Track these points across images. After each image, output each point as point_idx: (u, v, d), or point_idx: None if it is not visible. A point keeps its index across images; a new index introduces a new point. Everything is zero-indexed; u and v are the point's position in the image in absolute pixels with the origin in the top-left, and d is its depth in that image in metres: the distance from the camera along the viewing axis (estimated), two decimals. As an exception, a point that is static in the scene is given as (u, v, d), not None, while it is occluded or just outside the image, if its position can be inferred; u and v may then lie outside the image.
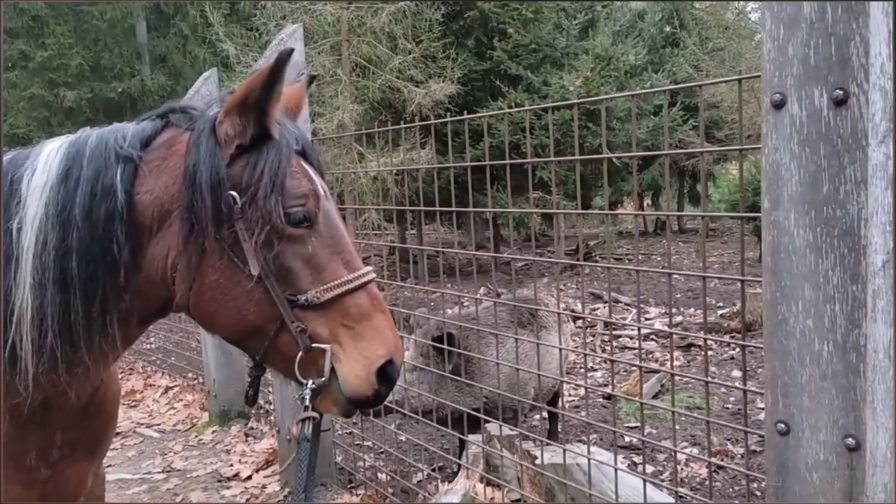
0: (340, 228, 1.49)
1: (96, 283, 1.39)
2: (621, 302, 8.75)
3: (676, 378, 5.62)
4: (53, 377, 1.41)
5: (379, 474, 3.68)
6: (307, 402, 1.46)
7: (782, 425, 1.54)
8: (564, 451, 2.30)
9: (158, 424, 5.09)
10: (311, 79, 1.84)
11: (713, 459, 3.69)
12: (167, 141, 1.45)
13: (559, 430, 4.26)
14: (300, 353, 1.42)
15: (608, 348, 6.89)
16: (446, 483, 3.01)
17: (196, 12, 19.05)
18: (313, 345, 1.42)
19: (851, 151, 1.42)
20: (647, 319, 7.79)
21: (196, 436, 4.70)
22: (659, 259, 13.06)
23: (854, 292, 1.45)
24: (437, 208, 3.13)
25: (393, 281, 4.91)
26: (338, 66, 9.60)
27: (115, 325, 1.42)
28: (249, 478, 3.95)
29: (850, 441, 1.46)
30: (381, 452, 3.87)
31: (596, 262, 12.24)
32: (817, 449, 1.52)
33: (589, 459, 2.28)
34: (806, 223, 1.46)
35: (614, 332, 7.10)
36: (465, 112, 3.09)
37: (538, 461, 2.71)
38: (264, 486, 3.84)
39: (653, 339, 6.95)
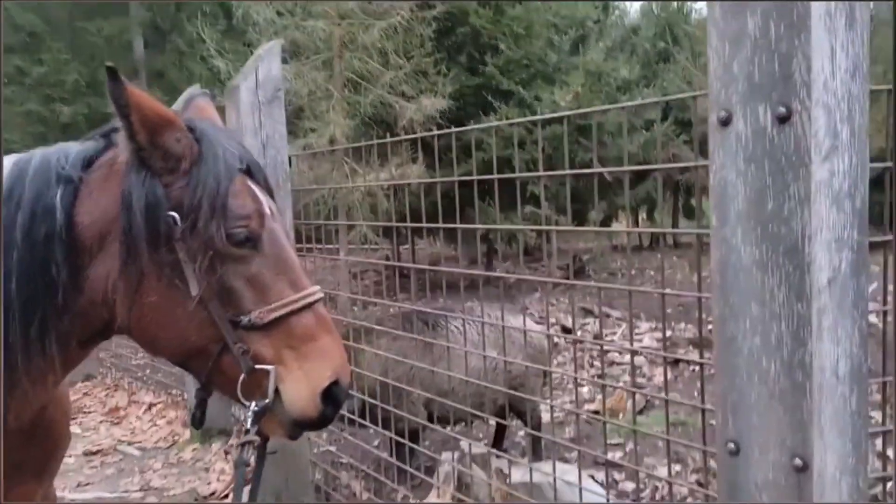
0: (287, 248, 1.48)
1: (35, 305, 1.37)
2: (612, 316, 8.72)
3: (662, 394, 5.59)
4: None
5: (357, 492, 3.65)
6: (248, 426, 1.45)
7: (732, 445, 1.52)
8: (531, 469, 2.27)
9: (140, 442, 5.06)
10: (212, 96, 1.81)
11: (672, 479, 3.66)
12: (109, 161, 1.44)
13: (541, 447, 4.24)
14: (242, 375, 1.41)
15: (596, 364, 6.87)
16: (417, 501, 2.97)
17: (193, 29, 19.15)
18: (256, 366, 1.40)
19: (795, 168, 1.42)
20: (637, 334, 7.76)
21: (177, 453, 4.66)
22: (652, 273, 13.04)
23: (799, 310, 1.44)
24: (424, 224, 3.12)
25: (377, 299, 4.90)
26: (330, 81, 9.63)
27: (53, 347, 1.40)
28: (226, 496, 3.91)
29: (798, 462, 1.44)
30: (361, 470, 3.84)
31: (589, 276, 12.22)
32: (766, 469, 1.50)
33: (555, 478, 2.25)
34: (752, 240, 1.45)
35: (604, 348, 7.08)
36: (457, 127, 3.07)
37: (509, 480, 2.69)
38: (241, 505, 3.80)
39: (641, 354, 6.92)
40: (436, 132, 3.10)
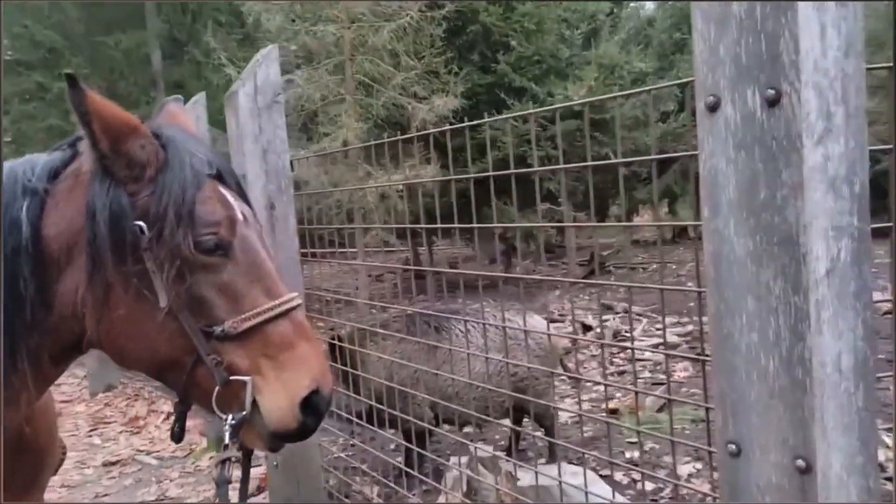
0: (261, 255, 1.43)
1: (5, 321, 1.35)
2: (633, 312, 8.61)
3: (682, 391, 5.49)
4: None
5: (370, 498, 3.60)
6: (226, 440, 1.41)
7: (733, 446, 1.45)
8: (537, 472, 2.21)
9: (158, 451, 5.07)
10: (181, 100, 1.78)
11: (678, 482, 3.57)
12: (74, 171, 1.41)
13: (557, 448, 4.16)
14: (217, 387, 1.37)
15: (616, 361, 6.78)
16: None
17: (210, 39, 19.28)
18: (231, 377, 1.36)
19: (787, 154, 1.34)
20: (658, 329, 7.65)
21: (193, 462, 4.66)
22: (674, 267, 12.87)
23: (797, 303, 1.36)
24: (439, 225, 3.06)
25: (381, 303, 4.87)
26: (342, 85, 9.63)
27: (25, 364, 1.37)
28: (238, 506, 3.89)
29: (801, 463, 1.36)
30: (373, 475, 3.79)
31: (610, 272, 12.10)
32: (768, 471, 1.43)
33: (560, 482, 2.19)
34: (745, 231, 1.38)
35: (622, 344, 6.97)
36: (471, 129, 2.99)
37: (520, 483, 2.63)
38: (255, 513, 3.78)
39: (661, 350, 6.81)
40: (449, 127, 3.01)
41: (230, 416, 1.39)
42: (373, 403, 3.09)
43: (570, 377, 4.84)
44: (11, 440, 1.48)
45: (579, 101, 2.53)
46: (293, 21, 9.87)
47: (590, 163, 2.38)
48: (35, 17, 18.67)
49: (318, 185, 8.71)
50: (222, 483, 1.43)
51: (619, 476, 4.03)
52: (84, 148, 1.37)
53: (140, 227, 1.31)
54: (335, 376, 3.75)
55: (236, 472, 1.58)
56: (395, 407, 3.23)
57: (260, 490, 4.00)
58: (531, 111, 2.89)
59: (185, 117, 1.63)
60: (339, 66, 9.72)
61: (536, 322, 4.18)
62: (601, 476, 4.33)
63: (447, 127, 3.12)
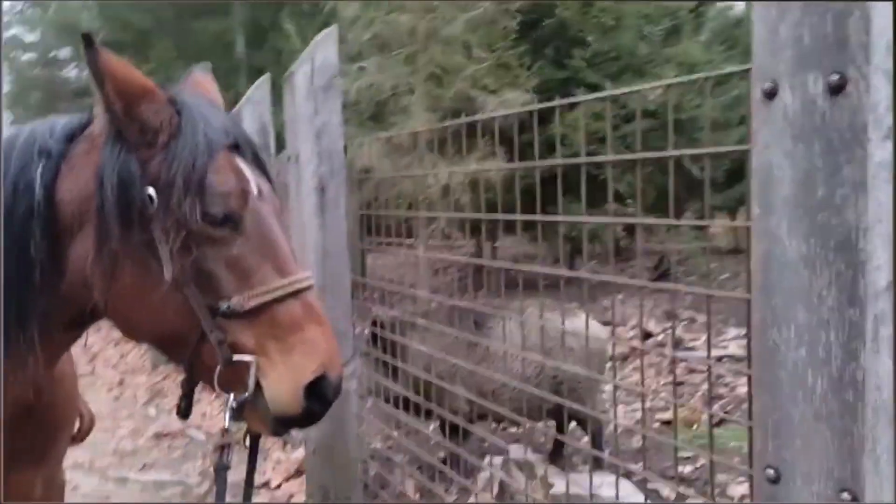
0: (274, 230, 1.37)
1: (13, 284, 1.33)
2: (697, 321, 8.30)
3: (745, 407, 5.22)
4: None
5: (408, 492, 3.55)
6: (226, 424, 1.36)
7: (771, 471, 1.31)
8: (567, 480, 2.10)
9: (207, 427, 5.15)
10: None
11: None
12: (91, 134, 1.38)
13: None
14: (219, 366, 1.32)
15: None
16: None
17: (291, 25, 19.65)
18: (235, 356, 1.31)
19: (850, 148, 1.19)
20: (723, 340, 7.35)
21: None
22: (744, 275, 12.32)
23: (852, 317, 1.21)
24: (500, 216, 2.96)
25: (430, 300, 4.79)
26: (413, 75, 9.60)
27: (34, 330, 1.36)
28: (279, 486, 3.91)
29: (846, 496, 1.22)
30: (419, 467, 3.74)
31: (677, 280, 11.72)
32: (809, 502, 1.28)
33: (591, 493, 2.07)
34: (799, 232, 1.24)
35: (679, 356, 6.72)
36: (540, 123, 2.86)
37: (554, 490, 2.51)
38: (291, 496, 3.79)
39: (726, 361, 6.53)
40: (515, 110, 2.85)
41: (232, 397, 1.34)
42: (409, 396, 3.03)
43: (616, 385, 4.65)
44: (21, 406, 1.47)
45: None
46: (366, 10, 9.90)
47: (672, 152, 2.22)
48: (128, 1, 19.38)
49: (383, 174, 8.73)
50: (221, 469, 1.38)
51: (666, 492, 3.86)
52: (96, 110, 1.34)
53: (149, 195, 1.27)
54: (376, 363, 3.71)
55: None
56: (433, 399, 3.16)
57: (299, 473, 4.00)
58: (611, 92, 2.72)
59: (209, 86, 1.59)
60: (411, 57, 9.69)
61: (578, 323, 4.02)
62: (650, 490, 4.16)
63: (513, 110, 2.98)
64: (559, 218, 2.54)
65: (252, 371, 1.31)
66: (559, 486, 2.56)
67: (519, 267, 2.71)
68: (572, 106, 10.28)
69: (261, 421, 1.37)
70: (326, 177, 3.37)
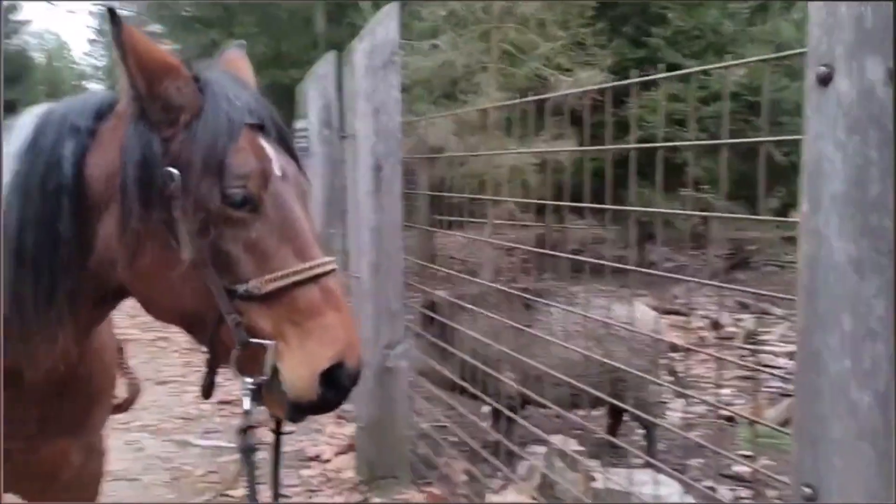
0: (295, 213, 1.35)
1: (44, 259, 1.36)
2: (772, 315, 7.96)
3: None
4: (9, 351, 1.40)
5: (455, 475, 3.54)
6: (245, 406, 1.36)
7: (808, 489, 1.21)
8: (604, 474, 2.03)
9: (268, 397, 5.27)
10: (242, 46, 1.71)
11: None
12: (119, 111, 1.38)
13: (656, 449, 3.91)
14: (236, 348, 1.32)
15: (747, 364, 6.29)
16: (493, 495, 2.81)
17: (367, 1, 19.71)
18: (252, 339, 1.30)
19: (910, 141, 1.08)
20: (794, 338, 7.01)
21: (298, 412, 4.81)
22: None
23: (903, 328, 1.10)
24: (566, 203, 2.87)
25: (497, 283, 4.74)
26: (486, 52, 9.48)
27: (63, 304, 1.38)
28: (329, 460, 3.97)
29: (887, 523, 1.12)
30: (467, 450, 3.72)
31: (752, 269, 11.28)
32: (847, 526, 1.18)
33: (630, 491, 2.00)
34: (849, 233, 1.13)
35: (754, 348, 6.46)
36: (614, 104, 2.74)
37: (595, 484, 2.45)
38: (341, 470, 3.84)
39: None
40: (589, 87, 2.71)
41: (250, 380, 1.33)
42: (455, 379, 3.01)
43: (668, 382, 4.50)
44: (54, 377, 1.50)
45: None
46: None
47: (765, 138, 2.09)
48: (215, -22, 19.88)
49: (453, 152, 8.69)
50: (247, 451, 1.38)
51: (723, 490, 3.72)
52: (121, 87, 1.35)
53: (170, 174, 1.27)
54: (428, 344, 3.70)
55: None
56: (483, 381, 3.12)
57: (350, 448, 4.05)
58: (692, 69, 2.59)
59: (241, 64, 1.57)
60: (485, 34, 9.57)
61: (640, 313, 3.90)
62: (708, 488, 4.03)
63: (588, 87, 2.85)
64: (625, 208, 2.41)
65: (269, 355, 1.30)
66: (601, 480, 2.49)
67: (557, 254, 2.64)
68: (649, 86, 9.98)
69: (278, 405, 1.36)
70: (383, 155, 3.36)
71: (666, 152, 2.25)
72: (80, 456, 1.74)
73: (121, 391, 2.19)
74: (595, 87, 2.51)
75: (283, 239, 1.32)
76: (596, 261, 2.53)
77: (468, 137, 9.26)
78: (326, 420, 4.62)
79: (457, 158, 8.59)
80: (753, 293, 1.88)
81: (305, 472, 3.88)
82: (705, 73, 9.81)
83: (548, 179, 6.65)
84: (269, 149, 1.36)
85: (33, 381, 1.49)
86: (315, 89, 4.53)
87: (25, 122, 1.43)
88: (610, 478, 2.09)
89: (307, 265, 1.32)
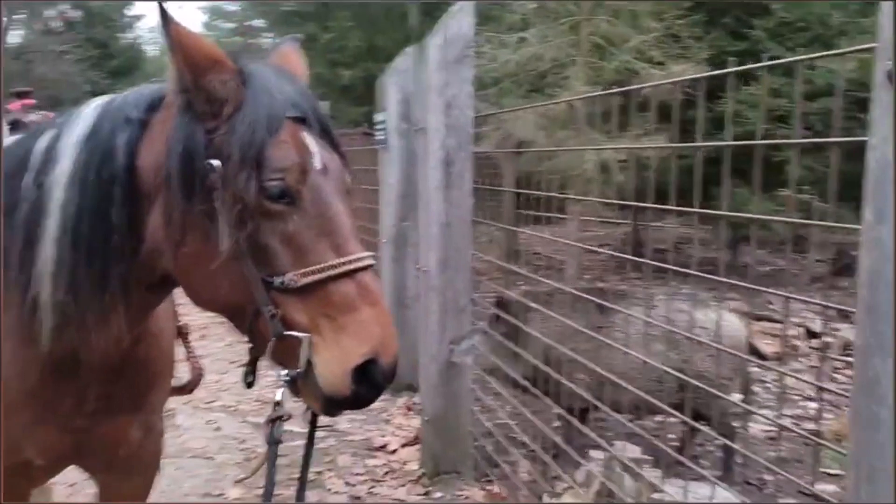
0: (334, 207, 1.35)
1: (97, 246, 1.41)
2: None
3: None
4: (65, 332, 1.47)
5: (520, 473, 3.49)
6: (277, 397, 1.37)
7: (862, 522, 1.12)
8: (659, 485, 1.94)
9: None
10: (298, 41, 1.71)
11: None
12: (169, 103, 1.42)
13: (733, 462, 3.74)
14: (272, 340, 1.33)
15: (838, 376, 5.94)
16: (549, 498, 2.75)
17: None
18: (287, 332, 1.32)
19: None
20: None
21: (368, 402, 4.87)
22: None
23: (972, 356, 0.99)
24: (650, 205, 2.75)
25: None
26: (574, 45, 9.30)
27: (116, 290, 1.43)
28: (395, 451, 4.00)
29: (946, 569, 1.01)
30: (532, 451, 3.67)
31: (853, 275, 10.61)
32: (902, 568, 1.08)
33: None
34: (916, 247, 1.02)
35: (849, 359, 6.06)
36: (709, 98, 2.57)
37: (658, 495, 2.36)
38: (405, 462, 3.86)
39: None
40: (682, 78, 2.52)
41: (285, 372, 1.34)
42: (518, 379, 2.96)
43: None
44: (109, 360, 1.56)
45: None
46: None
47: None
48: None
49: (537, 147, 8.58)
50: (272, 443, 1.39)
51: (804, 507, 3.52)
52: (168, 80, 1.38)
53: (211, 166, 1.29)
54: (496, 343, 3.66)
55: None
56: (552, 380, 3.06)
57: (416, 440, 4.07)
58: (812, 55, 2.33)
59: (293, 58, 1.59)
60: (575, 27, 9.38)
61: (713, 316, 3.72)
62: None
63: (678, 79, 2.72)
64: (714, 212, 2.26)
65: (304, 348, 1.31)
66: (667, 491, 2.39)
67: (621, 256, 2.54)
68: (747, 80, 9.52)
69: (313, 398, 1.37)
70: (454, 150, 3.34)
71: (764, 150, 2.10)
72: (138, 434, 1.81)
73: (184, 374, 2.28)
74: (688, 77, 2.36)
75: (320, 233, 1.32)
76: (663, 264, 2.43)
77: (555, 132, 9.13)
78: (395, 411, 4.66)
79: (541, 153, 8.48)
80: (821, 305, 1.72)
81: (371, 462, 3.93)
82: (810, 66, 9.29)
83: (632, 177, 6.47)
84: (311, 142, 1.36)
85: (90, 363, 1.56)
86: (394, 83, 4.56)
87: (87, 113, 1.49)
88: (663, 489, 2.00)
89: (343, 260, 1.32)
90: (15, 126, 2.18)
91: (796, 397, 5.35)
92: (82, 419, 1.65)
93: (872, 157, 1.08)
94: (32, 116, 2.31)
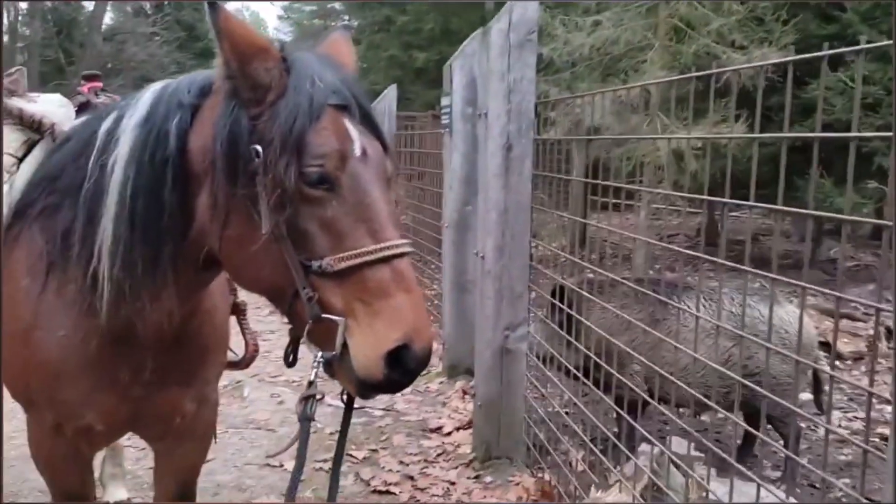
0: (372, 194, 1.37)
1: (151, 225, 1.48)
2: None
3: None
4: (122, 305, 1.55)
5: (573, 464, 3.47)
6: (311, 377, 1.41)
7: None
8: (706, 484, 1.90)
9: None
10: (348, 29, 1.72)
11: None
12: (220, 89, 1.46)
13: (796, 465, 3.61)
14: (309, 321, 1.37)
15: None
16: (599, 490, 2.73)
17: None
18: (324, 315, 1.35)
19: None
20: None
21: (425, 384, 4.93)
22: None
23: None
24: (724, 199, 2.64)
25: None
26: (651, 29, 9.05)
27: (168, 267, 1.50)
28: (449, 434, 4.04)
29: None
30: (592, 439, 3.64)
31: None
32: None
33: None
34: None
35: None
36: (795, 85, 2.43)
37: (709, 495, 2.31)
38: (459, 445, 3.90)
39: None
40: (767, 62, 2.33)
41: (321, 354, 1.38)
42: (571, 368, 2.93)
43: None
44: (160, 333, 1.63)
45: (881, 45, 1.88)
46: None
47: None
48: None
49: (610, 133, 8.41)
50: (304, 420, 1.43)
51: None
52: (216, 67, 1.42)
53: (256, 151, 1.33)
54: (552, 332, 3.63)
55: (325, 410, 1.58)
56: (609, 372, 3.02)
57: (471, 424, 4.09)
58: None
59: (344, 46, 1.61)
60: (652, 9, 9.13)
61: (789, 314, 3.59)
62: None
63: (767, 62, 2.55)
64: (793, 209, 2.12)
65: (340, 331, 1.34)
66: (717, 491, 2.34)
67: (671, 247, 2.47)
68: (836, 66, 9.05)
69: (348, 380, 1.40)
70: (514, 135, 3.32)
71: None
72: (192, 405, 1.90)
73: (240, 349, 2.36)
74: (774, 62, 2.22)
75: (358, 219, 1.35)
76: (713, 258, 2.36)
77: (628, 118, 8.93)
78: (452, 394, 4.71)
79: (614, 140, 8.31)
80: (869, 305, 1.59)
81: (425, 443, 3.98)
82: (905, 51, 8.69)
83: (707, 165, 6.28)
84: (352, 129, 1.39)
85: (144, 335, 1.64)
86: (460, 67, 4.55)
87: (145, 97, 1.56)
88: (706, 486, 1.95)
89: (380, 246, 1.34)
90: (84, 107, 2.29)
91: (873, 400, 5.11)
92: (139, 388, 1.73)
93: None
94: (102, 98, 2.42)
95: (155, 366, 1.72)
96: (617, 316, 3.13)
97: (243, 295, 2.19)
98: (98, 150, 1.58)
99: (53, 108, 2.16)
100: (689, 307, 3.04)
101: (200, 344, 1.82)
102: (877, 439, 4.25)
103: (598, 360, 2.82)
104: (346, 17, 24.49)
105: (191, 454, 2.07)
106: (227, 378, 4.82)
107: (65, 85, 15.81)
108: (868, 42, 1.95)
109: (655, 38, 8.96)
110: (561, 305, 3.29)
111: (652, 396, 3.38)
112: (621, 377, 2.70)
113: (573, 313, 3.10)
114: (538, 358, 3.59)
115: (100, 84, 2.50)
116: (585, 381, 3.01)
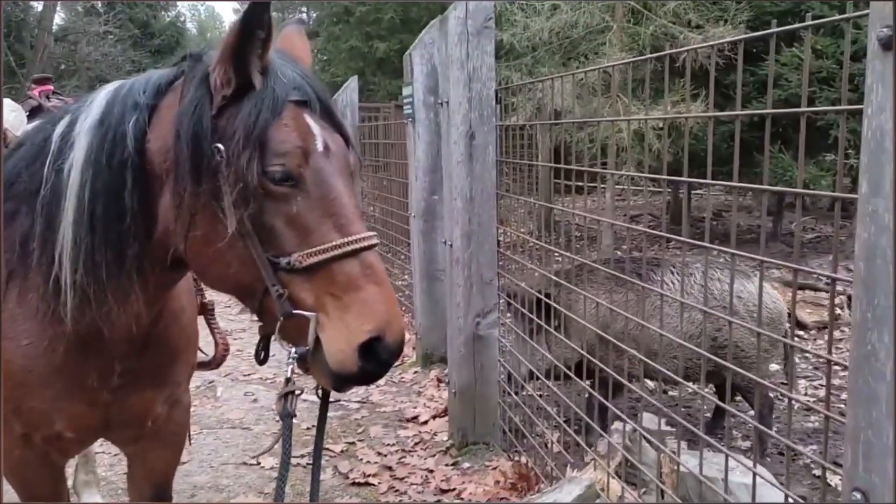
0: (336, 189, 1.37)
1: (112, 227, 1.46)
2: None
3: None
4: (87, 311, 1.53)
5: (548, 443, 3.52)
6: (288, 374, 1.41)
7: (859, 494, 1.12)
8: (675, 458, 1.95)
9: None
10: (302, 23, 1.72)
11: None
12: (177, 88, 1.45)
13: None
14: (280, 318, 1.37)
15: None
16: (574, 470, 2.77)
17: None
18: (295, 311, 1.35)
19: (983, 115, 0.93)
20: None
21: (400, 374, 4.95)
22: None
23: (965, 330, 0.97)
24: (684, 179, 2.66)
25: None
26: (608, 11, 9.11)
27: (132, 270, 1.49)
28: (426, 423, 4.06)
29: (938, 543, 1.00)
30: (566, 420, 3.69)
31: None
32: (897, 541, 1.07)
33: (726, 478, 1.92)
34: (911, 219, 1.00)
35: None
36: (749, 61, 2.44)
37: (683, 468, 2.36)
38: (435, 433, 3.92)
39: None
40: (721, 41, 2.32)
41: (294, 349, 1.38)
42: (548, 355, 2.96)
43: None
44: (130, 334, 1.62)
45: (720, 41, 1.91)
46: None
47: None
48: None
49: (572, 117, 8.46)
50: (285, 416, 1.43)
51: (836, 480, 3.48)
52: (189, 65, 1.41)
53: (218, 150, 1.32)
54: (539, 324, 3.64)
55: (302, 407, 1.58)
56: (604, 361, 3.05)
57: (446, 412, 4.12)
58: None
59: (298, 41, 1.60)
60: (610, -8, 9.19)
61: (754, 287, 3.66)
62: (817, 477, 3.76)
63: (722, 40, 2.61)
64: (750, 185, 2.15)
65: (311, 326, 1.34)
66: (688, 463, 2.39)
67: (646, 230, 2.51)
68: (790, 41, 9.17)
69: (322, 375, 1.40)
70: (476, 123, 3.33)
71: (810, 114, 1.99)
72: (164, 407, 1.88)
73: (210, 349, 2.35)
74: (726, 40, 2.24)
75: (324, 214, 1.35)
76: (679, 237, 2.40)
77: (589, 101, 8.99)
78: (427, 383, 4.73)
79: (576, 123, 8.37)
80: (821, 274, 1.62)
81: (402, 433, 4.00)
82: (857, 27, 8.91)
83: (668, 145, 6.35)
84: (314, 125, 1.38)
85: (112, 340, 1.62)
86: (420, 56, 4.54)
87: (99, 98, 1.53)
88: (680, 461, 2.00)
89: (347, 240, 1.34)
90: (36, 112, 2.25)
91: (836, 368, 5.25)
92: (108, 394, 1.72)
93: (868, 127, 1.05)
94: (54, 101, 2.37)
95: (123, 370, 1.71)
96: (610, 306, 3.17)
97: (211, 294, 2.18)
98: (53, 154, 1.55)
99: (4, 113, 2.11)
100: (669, 283, 3.09)
101: (169, 346, 1.80)
102: (842, 405, 4.37)
103: (591, 358, 2.82)
104: (304, 10, 24.25)
105: (164, 458, 2.06)
106: (199, 378, 4.79)
107: (17, 88, 15.43)
108: (819, 17, 2.00)
109: (613, 21, 9.02)
110: (550, 303, 3.27)
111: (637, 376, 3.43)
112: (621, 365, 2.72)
113: (563, 310, 3.11)
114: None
115: (51, 87, 2.45)
116: (578, 379, 3.02)
